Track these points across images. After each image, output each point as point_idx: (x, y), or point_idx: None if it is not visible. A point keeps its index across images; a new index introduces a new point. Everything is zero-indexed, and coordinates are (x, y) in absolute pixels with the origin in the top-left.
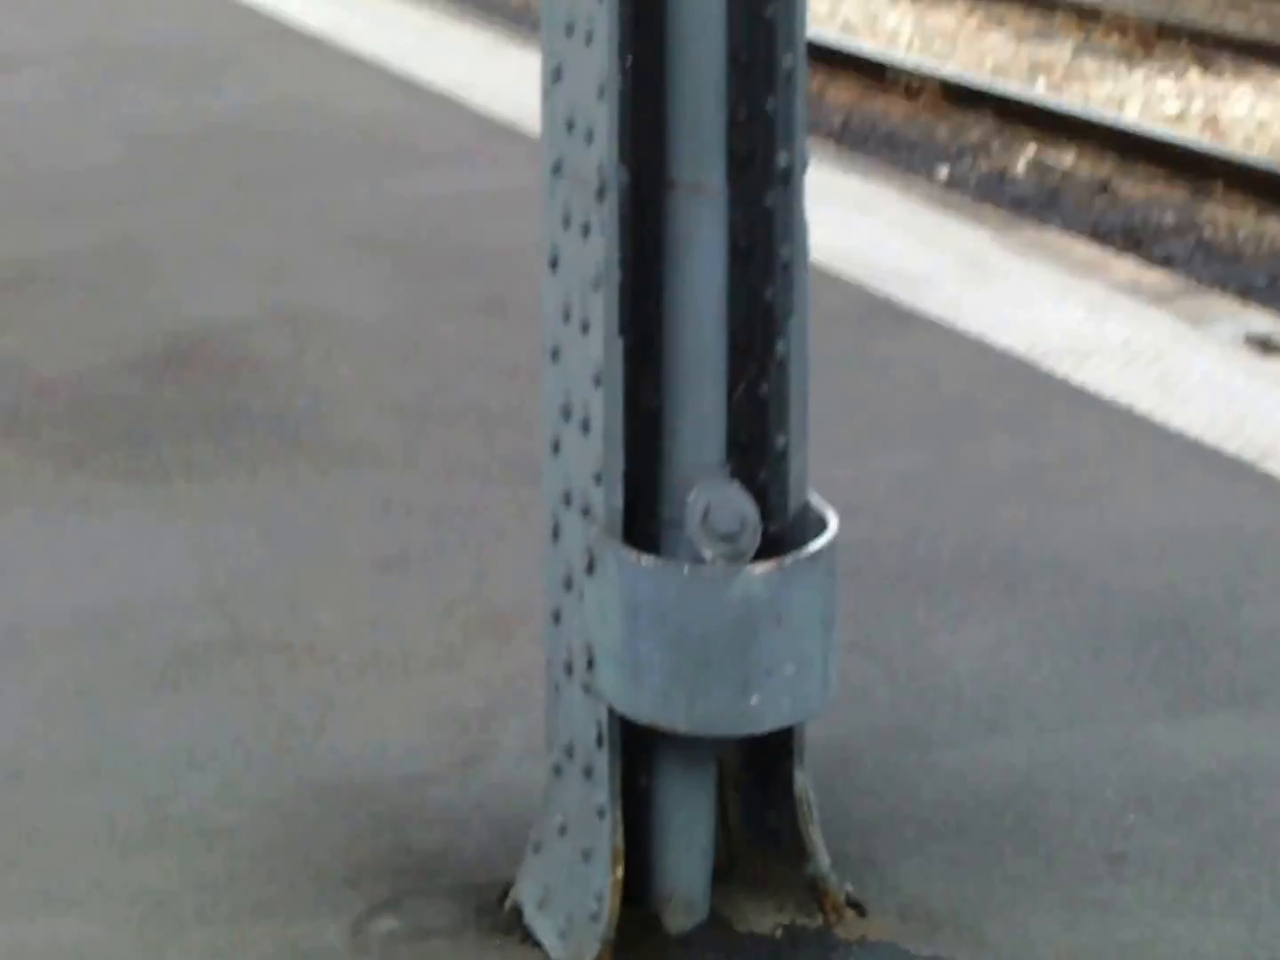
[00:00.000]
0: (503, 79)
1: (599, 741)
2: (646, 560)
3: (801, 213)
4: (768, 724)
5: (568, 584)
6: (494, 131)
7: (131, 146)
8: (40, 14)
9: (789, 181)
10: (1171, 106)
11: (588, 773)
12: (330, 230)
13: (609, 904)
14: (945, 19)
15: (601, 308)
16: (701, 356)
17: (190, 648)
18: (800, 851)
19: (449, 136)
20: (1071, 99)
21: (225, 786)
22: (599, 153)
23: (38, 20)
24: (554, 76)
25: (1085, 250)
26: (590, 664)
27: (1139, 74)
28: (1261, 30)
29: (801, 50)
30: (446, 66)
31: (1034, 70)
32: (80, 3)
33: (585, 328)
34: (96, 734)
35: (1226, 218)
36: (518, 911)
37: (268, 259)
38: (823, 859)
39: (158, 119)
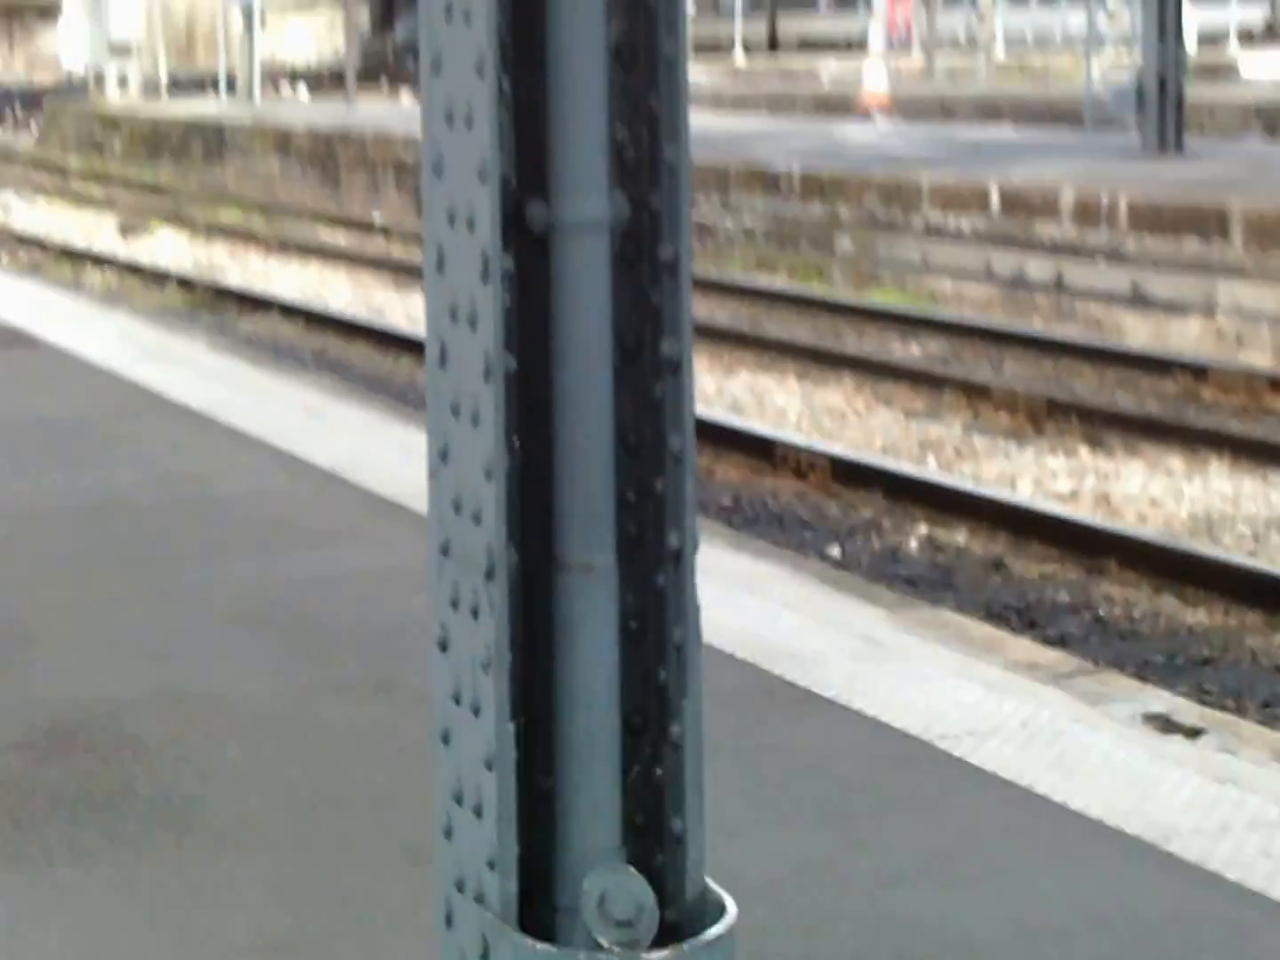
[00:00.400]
0: (387, 456)
1: None
2: (542, 948)
3: (694, 593)
4: None
5: None
6: (380, 510)
7: (13, 525)
8: None
9: (680, 561)
10: (1063, 484)
11: None
12: (216, 609)
13: None
14: (833, 397)
15: (492, 691)
16: (595, 739)
17: None
18: None
19: (334, 515)
20: (962, 478)
21: None
22: (487, 534)
23: None
24: (441, 457)
25: (980, 629)
26: None
27: (1029, 452)
28: (1151, 408)
29: (690, 431)
30: (331, 443)
31: (924, 448)
32: None
33: (476, 711)
34: None
35: (1121, 595)
36: None
37: (154, 638)
38: None
39: (39, 497)
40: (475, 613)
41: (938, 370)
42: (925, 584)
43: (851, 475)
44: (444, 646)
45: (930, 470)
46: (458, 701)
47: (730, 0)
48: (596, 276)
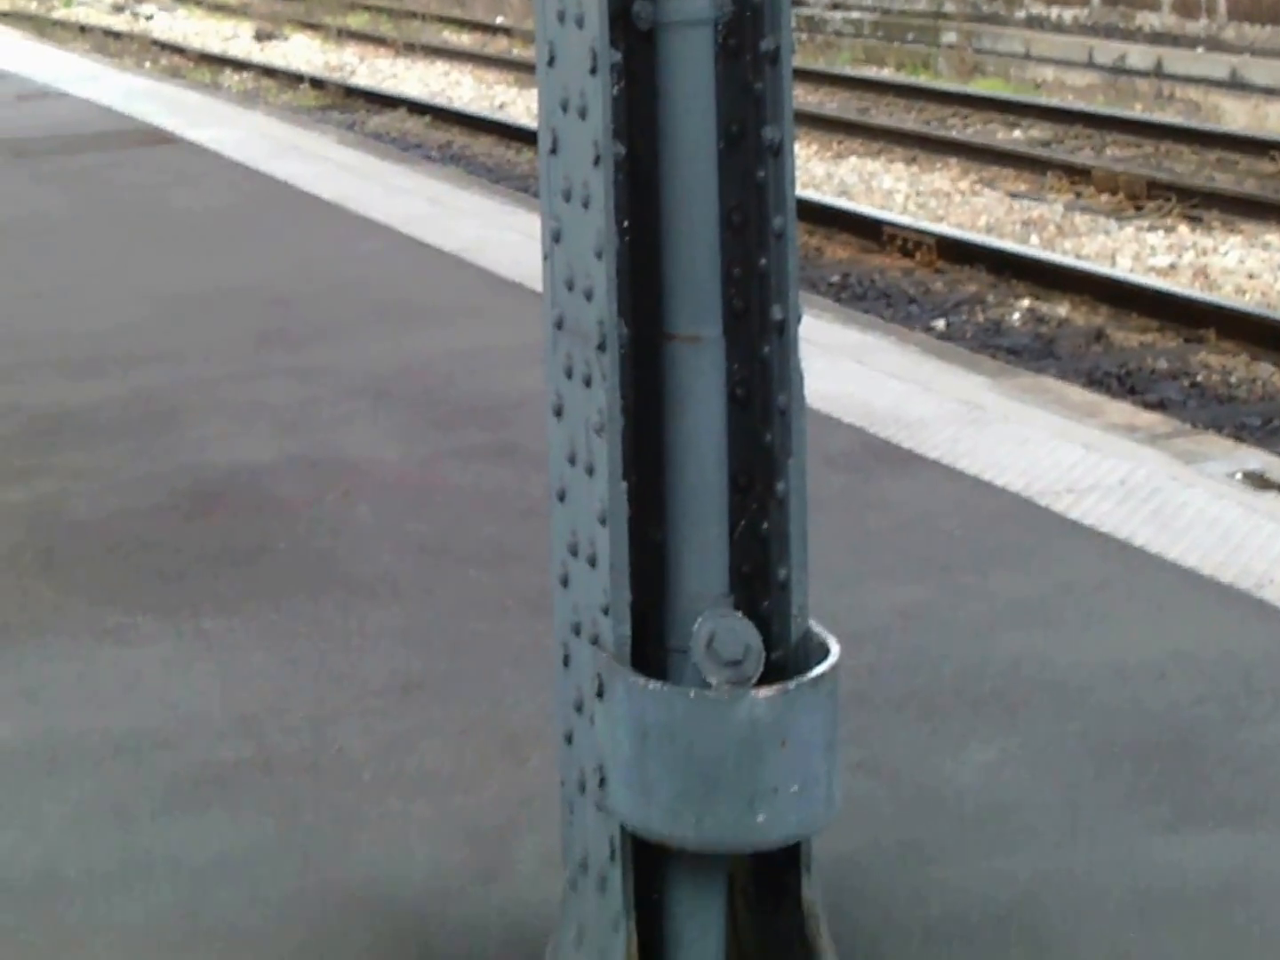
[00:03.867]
0: (509, 241)
1: (612, 856)
2: (654, 685)
3: (797, 362)
4: (774, 839)
5: (579, 708)
6: (502, 290)
7: (159, 307)
8: (67, 184)
9: (783, 333)
10: (1162, 259)
11: (602, 886)
12: (347, 383)
13: None
14: (939, 180)
15: (605, 453)
16: (704, 496)
17: (219, 768)
18: None
19: (459, 295)
20: (1064, 254)
21: (254, 897)
22: (599, 309)
23: (67, 189)
24: (554, 239)
25: (1080, 394)
26: (602, 783)
27: (1129, 229)
28: (1249, 186)
29: (792, 211)
30: (456, 230)
31: (1027, 227)
32: (105, 174)
33: (590, 471)
34: (130, 848)
35: (1219, 363)
36: None
37: (287, 410)
38: None
39: (182, 281)
40: (588, 381)
41: (1040, 154)
42: (1028, 354)
43: (957, 253)
44: (559, 413)
45: (1033, 247)
46: (573, 463)
47: None
48: (701, 68)
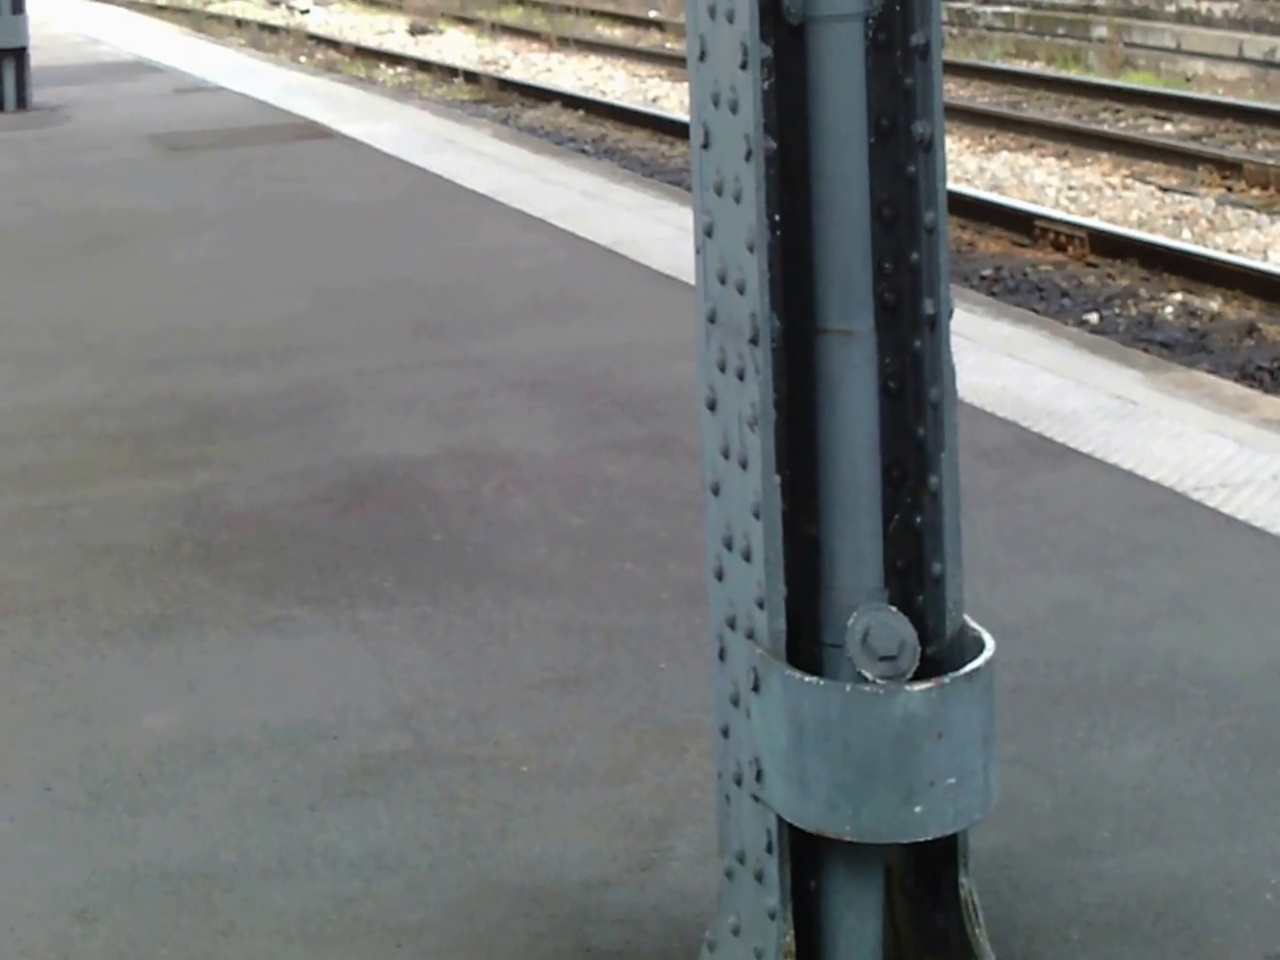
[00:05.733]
0: (663, 234)
1: (769, 848)
2: (810, 680)
3: (949, 355)
4: (931, 832)
5: (735, 701)
6: (656, 282)
7: (315, 300)
8: (223, 178)
9: (935, 326)
10: None
11: (759, 877)
12: (502, 375)
13: None
14: (1091, 174)
15: (759, 446)
16: (857, 490)
17: (377, 760)
18: (967, 953)
19: (613, 288)
20: (1216, 248)
21: (412, 888)
22: (751, 302)
23: (223, 183)
24: (706, 233)
25: (1233, 389)
26: (759, 776)
27: None
28: None
29: (943, 205)
30: (610, 224)
31: (1178, 221)
32: (261, 168)
33: (744, 464)
34: (288, 839)
35: None
36: None
37: (443, 402)
38: None
39: (338, 274)
40: (741, 375)
41: (1192, 148)
42: (1180, 347)
43: (1109, 246)
44: (712, 406)
45: (1185, 241)
46: (726, 456)
47: None
48: (851, 63)
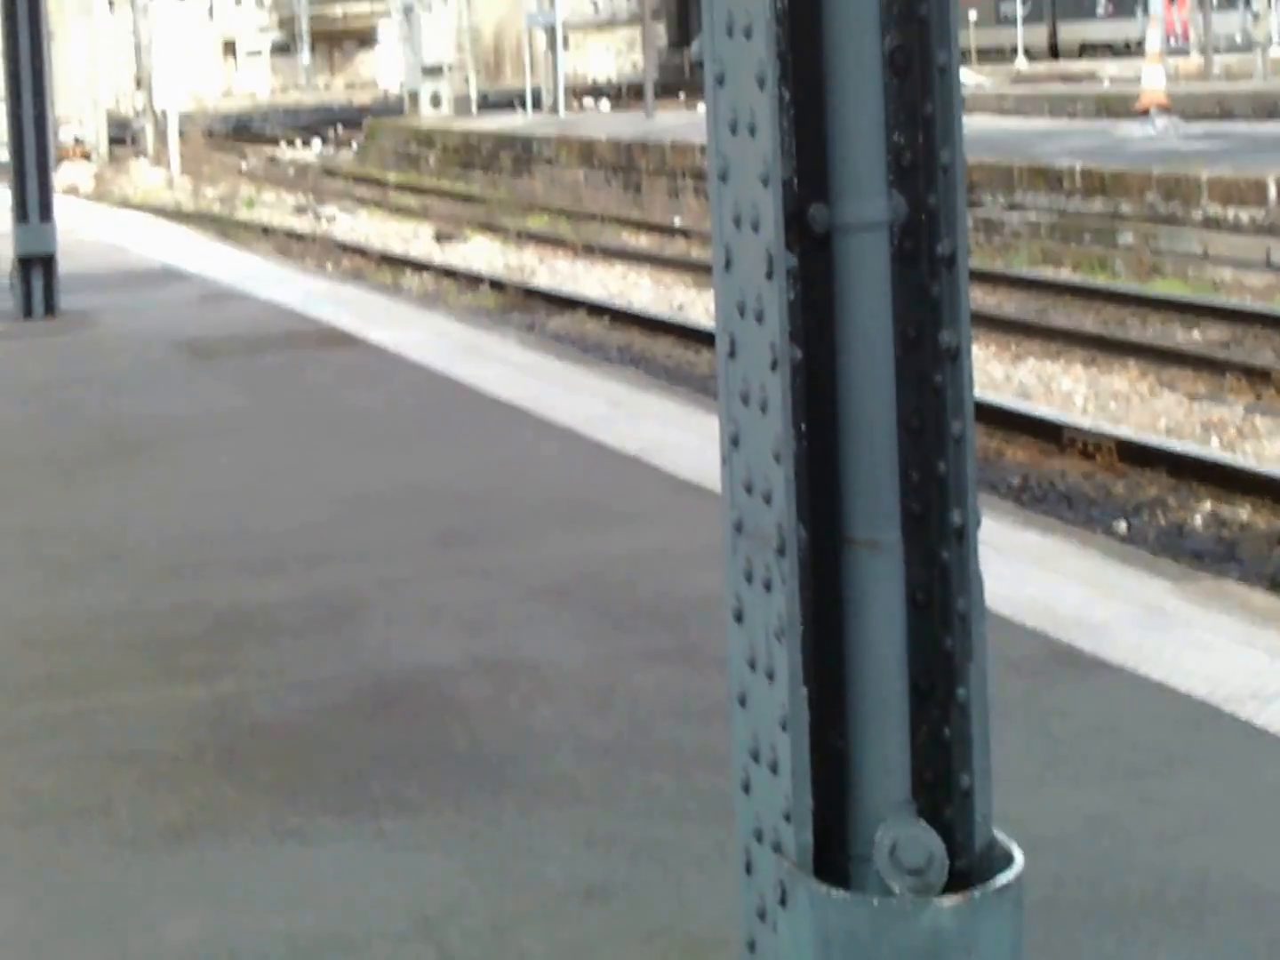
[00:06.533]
0: (688, 443)
1: None
2: (837, 893)
3: (976, 566)
4: None
5: (762, 915)
6: (681, 491)
7: (340, 506)
8: (248, 384)
9: (962, 538)
10: None
11: None
12: (528, 584)
13: None
14: (1118, 382)
15: (786, 658)
16: (885, 702)
17: None
18: None
19: (638, 496)
20: (1245, 457)
21: None
22: (778, 512)
23: (248, 389)
24: (733, 443)
25: (1264, 599)
26: None
27: None
28: None
29: (969, 415)
30: (635, 432)
31: (1207, 429)
32: (286, 375)
33: (771, 676)
34: None
35: None
36: None
37: (469, 610)
38: None
39: (363, 481)
40: (768, 585)
41: (1220, 355)
42: (1210, 557)
43: (1137, 455)
44: (739, 617)
45: (1214, 450)
46: (753, 667)
47: (1012, 9)
48: (877, 272)
